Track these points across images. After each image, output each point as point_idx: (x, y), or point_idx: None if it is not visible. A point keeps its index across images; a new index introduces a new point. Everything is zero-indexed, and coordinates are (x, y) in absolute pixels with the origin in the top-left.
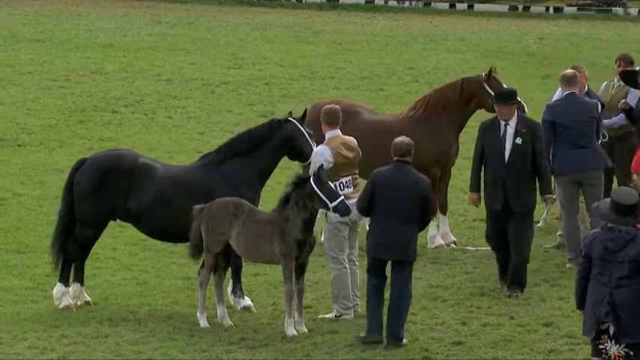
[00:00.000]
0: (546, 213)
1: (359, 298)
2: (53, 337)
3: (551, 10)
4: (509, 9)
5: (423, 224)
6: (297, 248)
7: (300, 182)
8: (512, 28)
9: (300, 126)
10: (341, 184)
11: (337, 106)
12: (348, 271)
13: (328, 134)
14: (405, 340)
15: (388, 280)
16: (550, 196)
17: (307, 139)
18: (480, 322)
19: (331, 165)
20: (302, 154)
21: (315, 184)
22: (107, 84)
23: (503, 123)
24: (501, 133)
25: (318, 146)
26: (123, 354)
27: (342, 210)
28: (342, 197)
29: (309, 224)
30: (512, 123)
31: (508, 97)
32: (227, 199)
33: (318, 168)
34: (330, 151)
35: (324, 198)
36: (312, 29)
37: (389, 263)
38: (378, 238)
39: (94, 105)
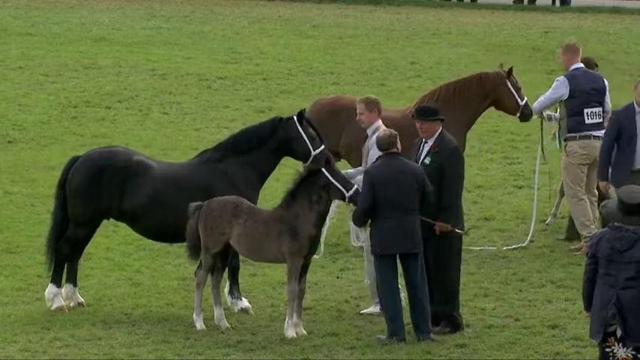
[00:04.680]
0: (555, 208)
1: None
2: (45, 339)
3: (557, 2)
4: (514, 2)
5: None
6: (309, 245)
7: (311, 174)
8: (517, 22)
9: (298, 126)
10: None
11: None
12: None
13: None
14: (431, 335)
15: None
16: (445, 226)
17: (303, 140)
18: (484, 324)
19: None
20: (298, 157)
21: (328, 173)
22: (100, 79)
23: (422, 141)
24: (418, 152)
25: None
26: (117, 357)
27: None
28: (357, 186)
29: (323, 218)
30: (431, 141)
31: (428, 113)
32: (225, 198)
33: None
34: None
35: (340, 187)
36: (310, 23)
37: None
38: (384, 234)
39: (87, 101)
